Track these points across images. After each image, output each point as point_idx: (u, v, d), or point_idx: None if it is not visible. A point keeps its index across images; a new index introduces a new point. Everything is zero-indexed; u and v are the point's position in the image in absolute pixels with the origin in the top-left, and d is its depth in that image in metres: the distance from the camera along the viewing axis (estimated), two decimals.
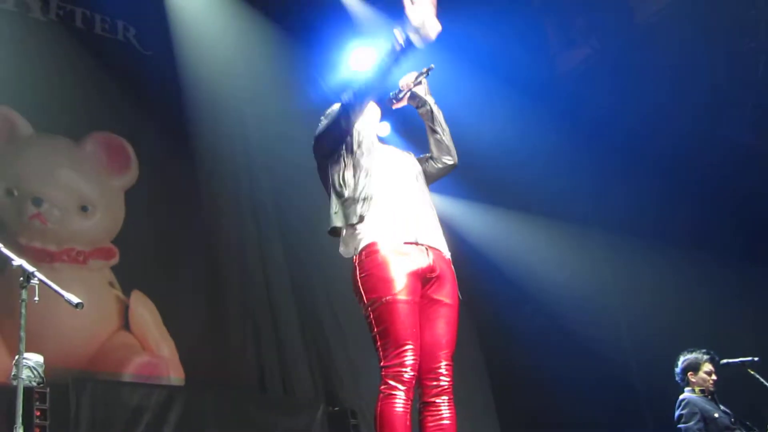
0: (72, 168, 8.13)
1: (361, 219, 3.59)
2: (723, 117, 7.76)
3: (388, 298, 3.46)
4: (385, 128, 8.48)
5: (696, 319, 7.28)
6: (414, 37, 3.54)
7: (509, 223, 8.95)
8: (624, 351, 8.67)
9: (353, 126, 3.76)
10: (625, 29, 8.27)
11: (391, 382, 3.41)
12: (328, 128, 3.78)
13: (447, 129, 4.00)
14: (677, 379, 6.18)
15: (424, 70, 3.91)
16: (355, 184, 3.66)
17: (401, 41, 3.55)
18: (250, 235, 8.93)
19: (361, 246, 3.58)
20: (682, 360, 6.17)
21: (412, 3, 3.53)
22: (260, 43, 8.77)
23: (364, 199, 3.61)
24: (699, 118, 7.75)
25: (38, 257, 7.34)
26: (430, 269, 3.61)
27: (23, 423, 3.73)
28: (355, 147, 3.75)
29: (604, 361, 8.39)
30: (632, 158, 8.10)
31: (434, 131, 3.99)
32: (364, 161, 3.72)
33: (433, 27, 3.53)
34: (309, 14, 8.90)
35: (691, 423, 5.89)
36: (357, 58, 8.86)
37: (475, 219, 8.86)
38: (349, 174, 3.70)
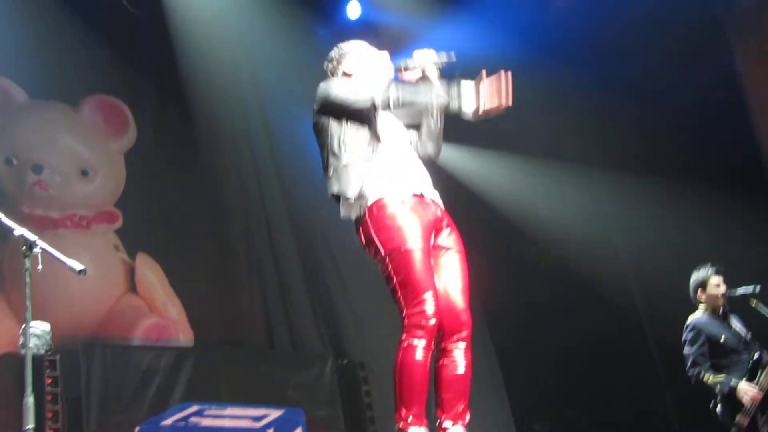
0: (70, 133, 8.10)
1: (359, 198, 3.59)
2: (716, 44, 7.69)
3: (406, 247, 3.47)
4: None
5: (700, 249, 7.22)
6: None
7: (508, 167, 8.92)
8: (629, 283, 8.68)
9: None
10: None
11: (414, 331, 3.41)
12: (351, 104, 3.67)
13: (442, 122, 3.88)
14: (692, 301, 6.08)
15: (445, 58, 3.77)
16: (355, 148, 3.64)
17: (442, 102, 3.62)
18: (252, 194, 8.93)
19: (370, 201, 3.57)
20: (692, 279, 6.07)
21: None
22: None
23: (363, 166, 3.60)
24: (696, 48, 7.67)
25: (41, 225, 7.36)
26: (439, 220, 3.65)
27: (34, 391, 3.74)
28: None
29: (610, 299, 8.43)
30: (630, 94, 8.00)
31: (431, 118, 3.89)
32: (364, 124, 3.70)
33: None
34: None
35: (694, 347, 5.83)
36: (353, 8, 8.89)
37: (473, 163, 8.82)
38: (350, 135, 3.67)
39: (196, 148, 8.66)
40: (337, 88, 3.71)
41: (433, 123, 3.84)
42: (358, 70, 3.86)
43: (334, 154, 3.68)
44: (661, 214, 8.10)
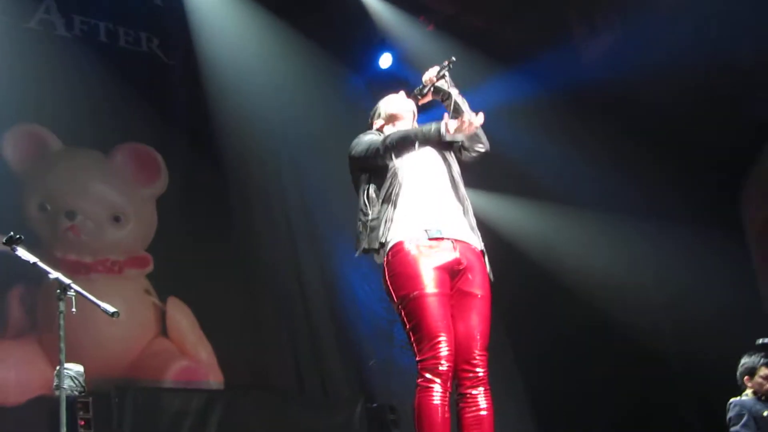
0: (103, 180, 8.26)
1: (382, 245, 3.66)
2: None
3: (416, 293, 3.51)
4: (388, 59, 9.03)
5: (733, 296, 7.14)
6: (455, 135, 3.70)
7: (536, 213, 8.92)
8: (662, 334, 8.58)
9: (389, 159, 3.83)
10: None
11: (428, 375, 3.44)
12: (369, 154, 3.81)
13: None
14: (738, 382, 6.11)
15: (446, 63, 3.91)
16: (380, 206, 3.72)
17: (444, 133, 3.66)
18: (282, 237, 9.01)
19: (388, 248, 3.64)
20: (741, 364, 6.10)
21: (465, 123, 3.65)
22: (282, 46, 8.82)
23: (384, 224, 3.68)
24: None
25: (74, 269, 7.47)
26: (457, 262, 3.62)
27: None
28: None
29: (641, 346, 8.32)
30: (658, 141, 8.00)
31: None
32: (389, 172, 3.78)
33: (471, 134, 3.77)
34: (329, 16, 8.94)
35: (739, 425, 5.88)
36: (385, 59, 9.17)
37: (501, 210, 8.84)
38: (372, 190, 3.78)
39: (227, 193, 8.79)
40: (355, 146, 3.87)
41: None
42: (385, 121, 4.02)
43: (362, 211, 3.77)
44: (694, 260, 8.02)
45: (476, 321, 3.62)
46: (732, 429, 5.92)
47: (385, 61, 9.30)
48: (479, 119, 3.68)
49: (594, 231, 8.60)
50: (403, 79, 8.76)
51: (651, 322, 8.40)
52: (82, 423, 6.16)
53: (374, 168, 3.79)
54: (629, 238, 8.45)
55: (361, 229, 3.76)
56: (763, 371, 5.94)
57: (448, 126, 3.64)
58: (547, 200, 8.77)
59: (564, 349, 8.64)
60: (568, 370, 8.56)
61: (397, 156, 3.74)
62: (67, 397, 3.97)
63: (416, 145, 3.71)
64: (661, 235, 8.19)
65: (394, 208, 3.67)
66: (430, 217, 3.67)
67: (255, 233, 8.86)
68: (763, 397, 5.93)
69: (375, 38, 9.17)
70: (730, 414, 5.96)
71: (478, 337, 3.61)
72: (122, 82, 8.18)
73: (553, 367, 8.69)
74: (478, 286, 3.67)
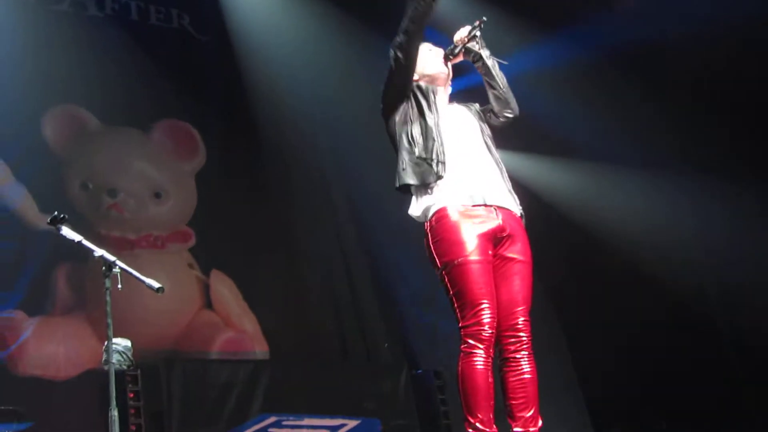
0: (142, 157, 8.37)
1: (439, 178, 3.62)
2: None
3: (460, 260, 3.52)
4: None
5: None
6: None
7: (577, 174, 8.83)
8: (706, 291, 8.47)
9: (408, 68, 3.77)
10: None
11: (471, 341, 3.46)
12: (388, 78, 3.81)
13: (504, 81, 3.97)
14: None
15: (477, 23, 3.89)
16: (425, 144, 3.69)
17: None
18: (322, 207, 9.07)
19: (431, 212, 3.63)
20: None
21: None
22: (311, 16, 8.80)
23: (437, 161, 3.64)
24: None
25: (119, 246, 7.61)
26: (500, 229, 3.63)
27: (117, 405, 3.88)
28: (420, 101, 3.78)
29: (687, 305, 8.23)
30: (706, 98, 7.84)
31: (492, 86, 3.98)
32: (430, 120, 3.74)
33: None
34: None
35: None
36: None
37: (542, 173, 8.76)
38: (416, 131, 3.73)
39: (263, 165, 8.84)
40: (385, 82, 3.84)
41: (496, 86, 3.94)
42: (419, 77, 3.93)
43: (406, 149, 3.73)
44: (739, 218, 7.87)
45: (519, 286, 3.64)
46: None
47: None
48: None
49: (635, 190, 8.51)
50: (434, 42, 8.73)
51: (696, 282, 8.31)
52: (131, 395, 6.31)
53: (402, 94, 3.79)
54: (673, 197, 8.34)
55: (405, 166, 3.70)
56: None
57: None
58: (586, 161, 8.69)
59: (607, 311, 8.60)
60: (610, 333, 8.53)
61: (412, 41, 3.71)
62: (116, 371, 4.04)
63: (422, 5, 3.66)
64: (705, 192, 8.07)
65: (443, 167, 3.63)
66: (473, 183, 3.67)
67: (293, 203, 8.92)
68: None
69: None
70: None
71: (522, 302, 3.63)
72: (155, 60, 8.28)
73: (596, 330, 8.65)
74: (520, 251, 3.68)
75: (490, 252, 3.60)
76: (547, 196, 8.73)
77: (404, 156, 3.73)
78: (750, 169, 7.67)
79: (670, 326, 8.15)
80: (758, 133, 7.69)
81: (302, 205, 8.99)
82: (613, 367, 8.46)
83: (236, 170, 8.67)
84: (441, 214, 3.60)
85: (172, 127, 8.56)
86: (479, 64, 3.97)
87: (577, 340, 8.99)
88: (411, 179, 3.68)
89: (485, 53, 3.97)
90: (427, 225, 3.65)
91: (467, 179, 3.67)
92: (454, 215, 3.58)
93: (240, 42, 8.66)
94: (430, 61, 3.97)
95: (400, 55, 3.70)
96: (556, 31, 8.27)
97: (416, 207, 3.72)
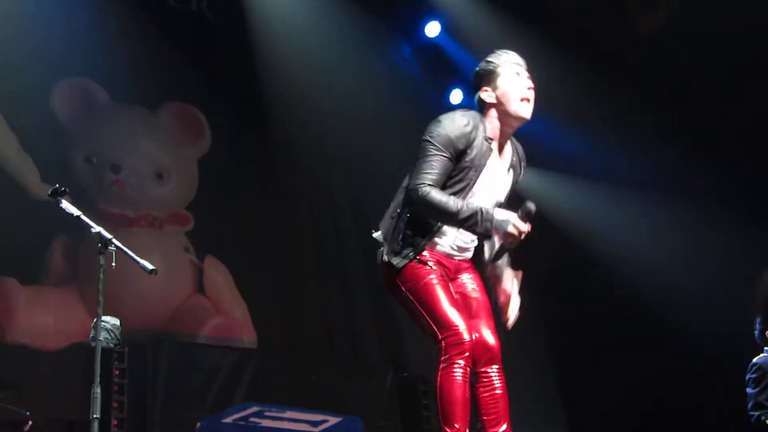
0: (148, 136, 8.38)
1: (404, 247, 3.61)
2: None
3: (426, 279, 3.57)
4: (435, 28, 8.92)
5: None
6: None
7: (581, 193, 8.85)
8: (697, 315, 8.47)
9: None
10: None
11: (451, 353, 3.49)
12: (416, 171, 3.58)
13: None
14: (756, 340, 5.93)
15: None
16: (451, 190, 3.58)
17: (486, 230, 3.49)
18: (321, 201, 9.08)
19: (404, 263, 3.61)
20: (757, 321, 5.91)
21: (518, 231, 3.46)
22: (329, 8, 8.81)
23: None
24: None
25: (117, 222, 7.63)
26: (458, 269, 3.75)
27: (101, 381, 3.89)
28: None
29: (678, 331, 8.24)
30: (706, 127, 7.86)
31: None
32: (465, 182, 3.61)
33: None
34: None
35: (758, 388, 5.67)
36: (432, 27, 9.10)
37: (542, 187, 8.77)
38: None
39: (269, 156, 8.85)
40: (436, 136, 3.56)
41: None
42: (497, 101, 3.67)
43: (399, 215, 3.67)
44: (731, 244, 7.89)
45: (481, 304, 3.74)
46: (749, 390, 5.73)
47: (432, 29, 9.22)
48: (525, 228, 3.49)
49: (632, 210, 8.53)
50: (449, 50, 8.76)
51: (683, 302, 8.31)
52: (117, 372, 6.32)
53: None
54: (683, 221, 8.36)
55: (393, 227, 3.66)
56: None
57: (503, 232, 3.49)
58: (584, 178, 8.71)
59: (596, 326, 8.62)
60: (598, 347, 8.54)
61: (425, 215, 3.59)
62: (102, 348, 4.04)
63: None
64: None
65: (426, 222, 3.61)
66: (461, 238, 3.69)
67: (295, 196, 8.92)
68: None
69: (423, 5, 9.11)
70: (750, 375, 5.59)
71: (487, 318, 3.71)
72: (170, 41, 8.29)
73: (584, 345, 8.68)
74: (473, 281, 3.79)
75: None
76: (545, 210, 8.74)
77: (400, 226, 3.65)
78: (739, 194, 7.70)
79: (651, 345, 8.18)
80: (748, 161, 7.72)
81: (303, 199, 9.01)
82: (602, 393, 8.47)
83: (240, 159, 8.68)
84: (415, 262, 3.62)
85: (180, 110, 8.58)
86: (497, 267, 3.84)
87: (566, 365, 9.02)
88: (393, 260, 3.65)
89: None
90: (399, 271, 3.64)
91: (459, 233, 3.69)
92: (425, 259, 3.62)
93: (256, 32, 8.67)
94: (516, 86, 3.68)
95: (415, 206, 3.57)
96: (569, 39, 8.28)
97: (391, 253, 3.65)
